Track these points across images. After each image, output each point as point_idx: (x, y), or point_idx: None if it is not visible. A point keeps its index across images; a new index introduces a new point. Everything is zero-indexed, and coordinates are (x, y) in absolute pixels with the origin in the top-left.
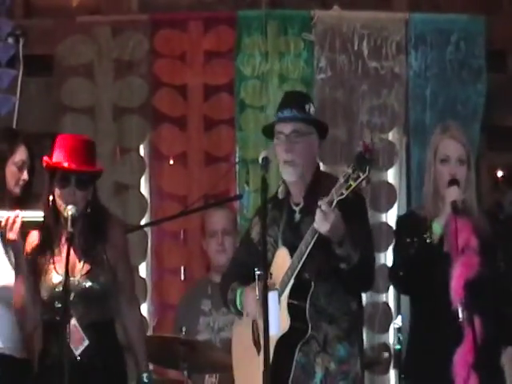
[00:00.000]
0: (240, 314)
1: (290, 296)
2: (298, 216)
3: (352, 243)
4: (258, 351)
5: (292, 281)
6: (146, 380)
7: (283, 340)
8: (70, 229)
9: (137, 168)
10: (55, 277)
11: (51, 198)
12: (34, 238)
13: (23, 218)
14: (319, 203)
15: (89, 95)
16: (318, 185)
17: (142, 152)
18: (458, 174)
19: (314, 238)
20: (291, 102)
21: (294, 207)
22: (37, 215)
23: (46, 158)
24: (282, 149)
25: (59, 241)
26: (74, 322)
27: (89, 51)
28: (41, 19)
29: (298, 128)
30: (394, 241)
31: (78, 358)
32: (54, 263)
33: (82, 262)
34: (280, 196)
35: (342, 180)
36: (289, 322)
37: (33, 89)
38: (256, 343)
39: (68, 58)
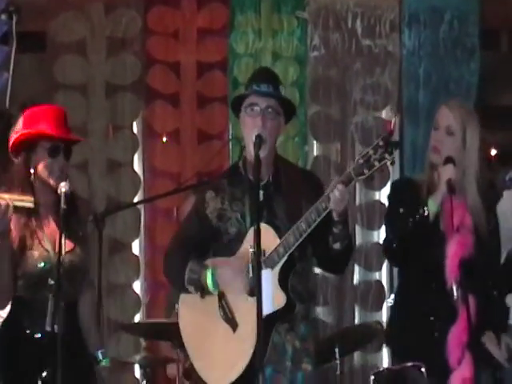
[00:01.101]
0: (205, 293)
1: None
2: (261, 192)
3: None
4: (234, 328)
5: (285, 258)
6: (101, 356)
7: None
8: (63, 205)
9: (130, 145)
10: (38, 253)
11: (32, 171)
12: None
13: (14, 202)
14: (335, 184)
15: (81, 72)
16: (282, 163)
17: (135, 129)
18: (444, 143)
19: (320, 218)
20: (269, 79)
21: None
22: (27, 200)
23: (24, 131)
24: (255, 122)
25: (41, 216)
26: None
27: (82, 28)
28: None
29: (273, 105)
30: (387, 209)
31: (39, 335)
32: (38, 238)
33: (63, 240)
34: (243, 172)
35: (361, 160)
36: (285, 298)
37: (26, 65)
38: (230, 320)
39: (61, 35)
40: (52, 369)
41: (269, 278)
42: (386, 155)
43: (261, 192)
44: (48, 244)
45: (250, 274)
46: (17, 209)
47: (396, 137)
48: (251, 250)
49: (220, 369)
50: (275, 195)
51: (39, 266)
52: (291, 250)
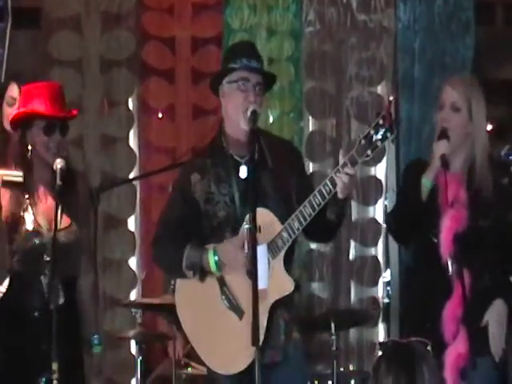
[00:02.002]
0: (205, 276)
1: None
2: (244, 170)
3: None
4: (241, 316)
5: (289, 243)
6: (96, 342)
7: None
8: (59, 182)
9: (125, 121)
10: (31, 229)
11: (29, 147)
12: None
13: (4, 177)
14: (342, 168)
15: (76, 48)
16: (262, 136)
17: (130, 105)
18: (451, 121)
19: (325, 201)
20: (257, 55)
21: (238, 159)
22: (17, 174)
23: (20, 110)
24: (248, 97)
25: (36, 192)
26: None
27: (76, 4)
28: None
29: (261, 81)
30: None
31: (36, 313)
32: (32, 215)
33: (59, 215)
34: (226, 149)
35: (363, 141)
36: (293, 283)
37: (21, 41)
38: (235, 308)
39: (56, 11)
40: (47, 345)
41: (264, 253)
42: (388, 133)
43: (245, 167)
44: (43, 220)
45: (246, 251)
46: (6, 183)
47: (395, 114)
48: (246, 226)
49: (231, 357)
50: (262, 172)
51: (33, 241)
52: (296, 235)
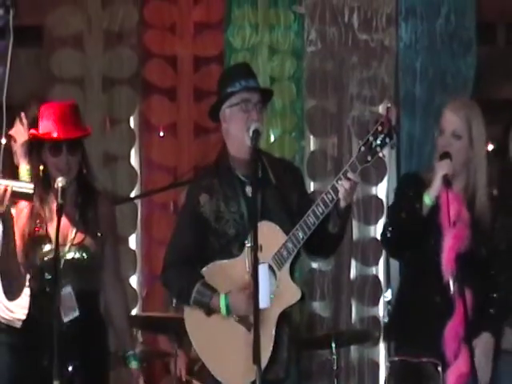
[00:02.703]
0: (211, 313)
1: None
2: (248, 188)
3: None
4: (249, 328)
5: (295, 253)
6: (132, 358)
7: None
8: (60, 200)
9: (126, 139)
10: (47, 245)
11: (41, 167)
12: (23, 205)
13: (13, 188)
14: (343, 175)
15: (78, 66)
16: (263, 155)
17: (131, 123)
18: (452, 147)
19: (328, 210)
20: (252, 74)
21: (244, 179)
22: (26, 186)
23: (32, 131)
24: (250, 116)
25: (50, 209)
26: (69, 289)
27: (78, 22)
28: None
29: (260, 99)
30: (393, 199)
31: (65, 327)
32: (46, 231)
33: (74, 231)
34: (233, 170)
35: (363, 148)
36: (299, 292)
37: (23, 59)
38: (243, 320)
39: (58, 29)
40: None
41: (265, 273)
42: (387, 139)
43: (249, 188)
44: (55, 236)
45: (247, 269)
46: (16, 194)
47: (395, 120)
48: (248, 244)
49: (240, 369)
50: (265, 189)
51: (47, 257)
52: (301, 245)
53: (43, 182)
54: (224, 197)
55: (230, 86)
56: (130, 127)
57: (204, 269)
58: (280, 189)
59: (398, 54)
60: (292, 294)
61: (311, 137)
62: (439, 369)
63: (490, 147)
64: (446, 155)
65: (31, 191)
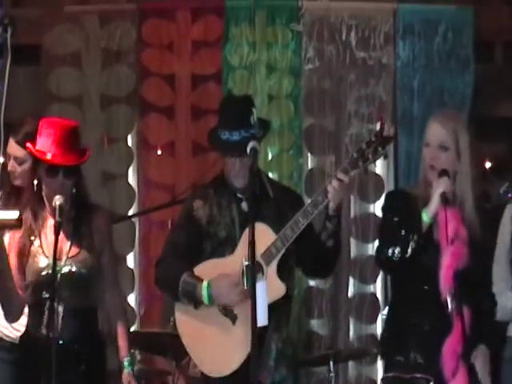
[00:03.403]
0: (198, 305)
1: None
2: (245, 205)
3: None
4: (233, 320)
5: (283, 251)
6: (127, 364)
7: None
8: (58, 218)
9: (124, 158)
10: (42, 260)
11: (36, 182)
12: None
13: None
14: (335, 174)
15: (76, 84)
16: (264, 177)
17: (129, 142)
18: (439, 159)
19: (317, 210)
20: (237, 121)
21: (240, 196)
22: (10, 215)
23: (29, 145)
24: (234, 166)
25: (44, 224)
26: (60, 308)
27: (76, 40)
28: (29, 8)
29: (246, 142)
30: (381, 219)
31: (61, 342)
32: (40, 246)
33: (69, 246)
34: (230, 185)
35: (355, 154)
36: (284, 288)
37: (20, 78)
38: (228, 313)
39: (56, 48)
40: (48, 376)
41: (263, 290)
42: (379, 149)
43: (244, 203)
44: (49, 252)
45: (245, 287)
46: (2, 226)
47: (387, 132)
48: (246, 262)
49: (220, 359)
50: (262, 202)
51: (43, 272)
52: (289, 243)
53: (36, 196)
54: (217, 204)
55: (220, 126)
56: (127, 146)
57: (196, 268)
58: (277, 201)
59: (395, 72)
60: (276, 289)
61: (309, 155)
62: None
63: (488, 165)
64: (444, 173)
65: (15, 221)
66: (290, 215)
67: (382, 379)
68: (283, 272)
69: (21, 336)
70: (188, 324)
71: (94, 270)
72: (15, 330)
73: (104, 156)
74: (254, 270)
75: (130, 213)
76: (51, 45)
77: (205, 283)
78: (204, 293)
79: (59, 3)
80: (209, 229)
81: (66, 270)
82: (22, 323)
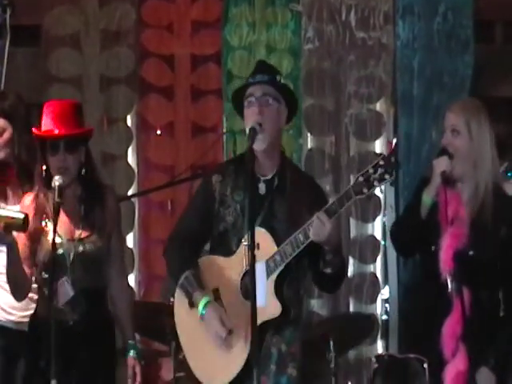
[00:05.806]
0: (192, 306)
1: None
2: (263, 187)
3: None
4: (230, 331)
5: (282, 267)
6: (132, 351)
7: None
8: (57, 199)
9: (124, 138)
10: (56, 238)
11: (44, 167)
12: (28, 202)
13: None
14: (316, 214)
15: (76, 65)
16: (288, 165)
17: (129, 122)
18: (453, 144)
19: (306, 243)
20: (263, 69)
21: (259, 175)
22: (16, 215)
23: (34, 130)
24: (252, 112)
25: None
26: (64, 278)
27: (76, 21)
28: None
29: (269, 91)
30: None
31: (71, 322)
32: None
33: (81, 226)
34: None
35: (361, 178)
36: (280, 307)
37: (20, 59)
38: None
39: (55, 29)
40: (48, 357)
41: (262, 271)
42: (386, 175)
43: (263, 185)
44: (63, 230)
45: (245, 268)
46: (8, 227)
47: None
48: (245, 243)
49: (215, 370)
50: (277, 194)
51: (54, 252)
52: (288, 260)
53: (45, 181)
54: (233, 183)
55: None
56: (127, 126)
57: (200, 259)
58: (293, 198)
59: (395, 53)
60: (271, 307)
61: (309, 135)
62: (425, 366)
63: None
64: (443, 152)
65: (21, 221)
66: (305, 214)
67: (376, 357)
68: (282, 285)
69: (30, 317)
70: (185, 323)
71: (105, 251)
72: (6, 313)
73: (103, 137)
74: (253, 250)
75: (130, 193)
76: (50, 26)
77: (203, 300)
78: (200, 307)
79: None
80: (220, 209)
81: (80, 249)
82: (15, 306)
